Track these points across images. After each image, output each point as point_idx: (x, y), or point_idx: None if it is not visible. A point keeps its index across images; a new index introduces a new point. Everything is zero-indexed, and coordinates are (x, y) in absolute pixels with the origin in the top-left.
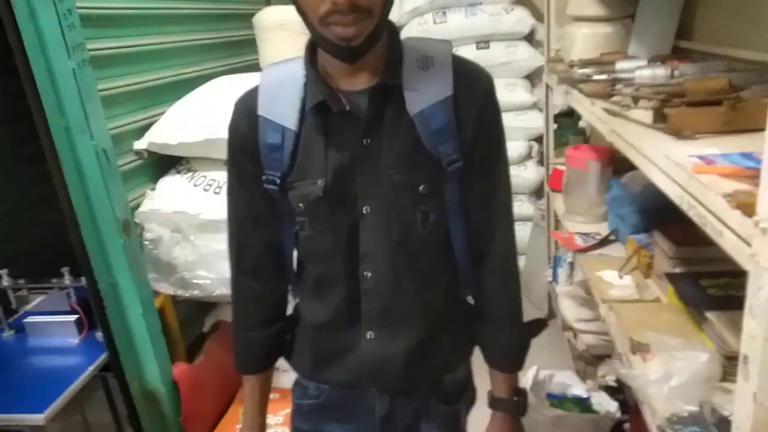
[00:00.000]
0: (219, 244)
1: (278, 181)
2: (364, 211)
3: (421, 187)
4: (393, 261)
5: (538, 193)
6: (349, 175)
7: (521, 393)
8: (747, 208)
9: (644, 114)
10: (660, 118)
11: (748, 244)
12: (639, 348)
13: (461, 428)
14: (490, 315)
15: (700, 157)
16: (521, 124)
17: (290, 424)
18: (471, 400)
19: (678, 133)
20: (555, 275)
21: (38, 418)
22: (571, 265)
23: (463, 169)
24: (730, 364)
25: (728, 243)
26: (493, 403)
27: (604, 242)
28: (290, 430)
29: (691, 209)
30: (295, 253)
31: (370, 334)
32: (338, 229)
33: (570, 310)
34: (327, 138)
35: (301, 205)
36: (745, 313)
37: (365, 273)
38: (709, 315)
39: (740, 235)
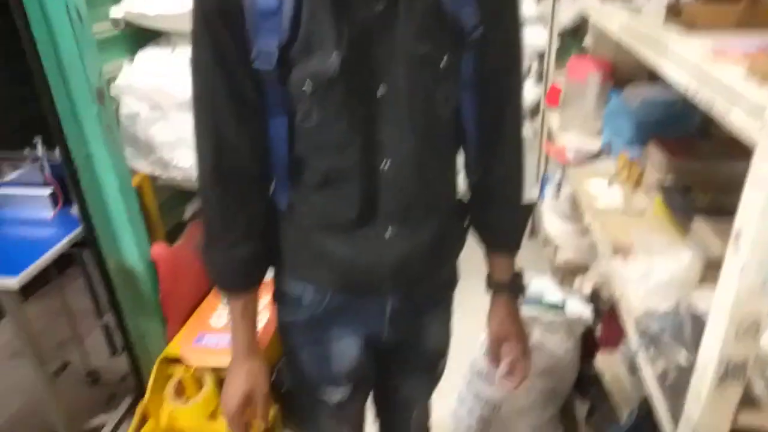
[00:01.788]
0: None
1: (276, 56)
2: (380, 92)
3: (443, 61)
4: (414, 148)
5: (531, 114)
6: (364, 48)
7: (520, 273)
8: (766, 75)
9: (658, 8)
10: (674, 12)
11: (760, 116)
12: (621, 248)
13: (452, 312)
14: (500, 197)
15: (714, 48)
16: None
17: (282, 342)
18: (456, 283)
19: (692, 26)
20: (542, 195)
21: (12, 282)
22: (559, 184)
23: (481, 39)
24: (710, 271)
25: (737, 119)
26: (497, 286)
27: (597, 155)
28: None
29: (698, 94)
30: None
31: (390, 232)
32: (353, 115)
33: (552, 224)
34: (334, 1)
35: (309, 86)
36: (747, 185)
37: (384, 163)
38: (695, 221)
39: (754, 104)
